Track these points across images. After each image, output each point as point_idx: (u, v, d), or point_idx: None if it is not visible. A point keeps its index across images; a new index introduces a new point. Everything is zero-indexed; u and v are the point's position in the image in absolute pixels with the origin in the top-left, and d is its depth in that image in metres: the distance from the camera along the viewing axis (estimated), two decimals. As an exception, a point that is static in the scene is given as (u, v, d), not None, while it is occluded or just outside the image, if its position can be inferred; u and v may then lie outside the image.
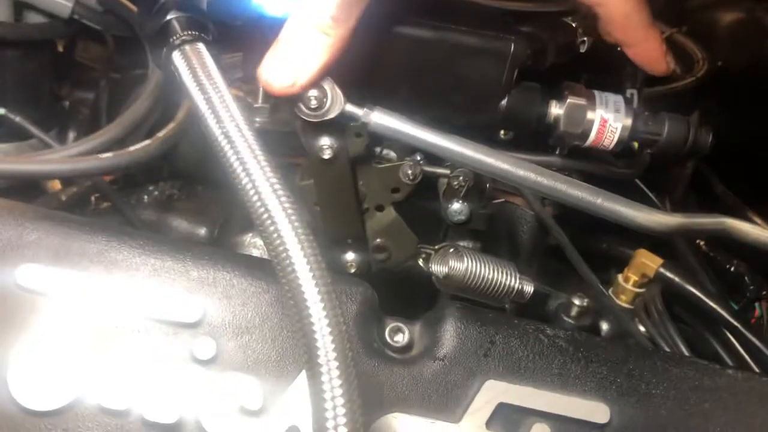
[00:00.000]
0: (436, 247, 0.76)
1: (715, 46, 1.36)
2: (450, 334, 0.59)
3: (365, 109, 0.62)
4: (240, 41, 0.79)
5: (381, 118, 0.63)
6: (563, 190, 0.64)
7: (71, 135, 1.06)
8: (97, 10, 0.87)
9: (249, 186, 0.50)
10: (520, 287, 0.75)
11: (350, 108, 0.62)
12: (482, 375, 0.57)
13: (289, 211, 0.49)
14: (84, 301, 0.55)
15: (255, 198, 0.49)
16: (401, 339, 0.60)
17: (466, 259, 0.73)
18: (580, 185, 0.65)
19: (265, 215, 0.49)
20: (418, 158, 0.74)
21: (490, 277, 0.74)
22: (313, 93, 0.60)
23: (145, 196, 0.90)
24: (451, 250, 0.75)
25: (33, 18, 0.87)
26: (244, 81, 0.95)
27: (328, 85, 0.61)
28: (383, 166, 0.71)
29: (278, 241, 0.48)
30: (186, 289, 0.57)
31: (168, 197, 0.91)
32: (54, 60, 0.98)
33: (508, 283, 0.74)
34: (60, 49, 1.05)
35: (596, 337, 0.62)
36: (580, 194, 0.64)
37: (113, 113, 1.03)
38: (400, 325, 0.60)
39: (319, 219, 0.71)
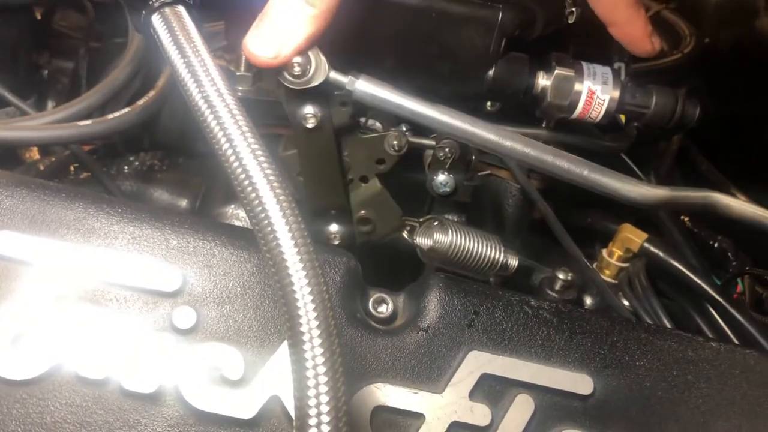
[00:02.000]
0: (421, 219, 0.75)
1: (702, 23, 1.35)
2: (434, 304, 0.58)
3: (350, 77, 0.61)
4: (223, 9, 0.78)
5: (366, 86, 0.61)
6: (549, 161, 0.63)
7: (50, 104, 1.04)
8: (75, -27, 0.85)
9: (230, 152, 0.49)
10: (504, 260, 0.75)
11: (335, 75, 0.61)
12: (466, 346, 0.57)
13: (272, 177, 0.48)
14: (61, 269, 0.54)
15: (236, 165, 0.48)
16: (385, 310, 0.59)
17: (450, 231, 0.72)
18: (567, 156, 0.64)
19: (247, 182, 0.48)
20: (404, 129, 0.73)
21: (475, 249, 0.73)
22: (296, 59, 0.59)
23: (126, 167, 0.88)
24: (436, 222, 0.74)
25: (9, -17, 0.85)
26: (226, 50, 0.94)
27: (312, 53, 0.59)
28: (368, 136, 0.70)
29: (260, 208, 0.47)
30: (165, 257, 0.56)
31: (149, 168, 0.89)
32: (32, 27, 0.95)
33: (492, 256, 0.74)
34: (38, 16, 1.03)
35: (581, 309, 0.61)
36: (567, 165, 0.63)
37: (93, 83, 1.00)
38: (384, 296, 0.59)
39: (303, 190, 0.70)
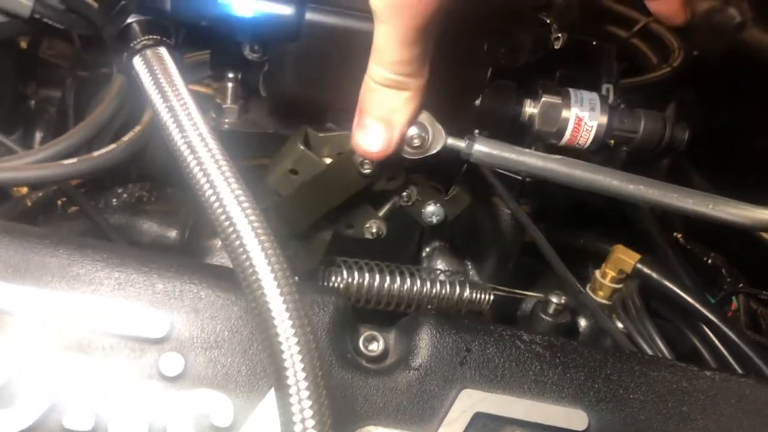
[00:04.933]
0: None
1: (691, 36, 1.35)
2: (425, 342, 0.57)
3: (467, 141, 0.60)
4: (207, 39, 0.77)
5: (483, 147, 0.60)
6: (674, 198, 0.60)
7: (38, 135, 1.03)
8: (59, 8, 0.84)
9: (213, 198, 0.48)
10: (473, 296, 0.73)
11: (452, 141, 0.60)
12: (458, 384, 0.56)
13: (255, 223, 0.47)
14: (46, 318, 0.53)
15: (219, 210, 0.48)
16: (376, 348, 0.58)
17: (355, 273, 0.70)
18: (690, 192, 0.61)
19: (230, 228, 0.47)
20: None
21: (388, 288, 0.71)
22: (413, 131, 0.58)
23: (114, 199, 0.87)
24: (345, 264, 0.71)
25: (-7, 17, 0.84)
26: (212, 79, 0.93)
27: (427, 121, 0.59)
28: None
29: (244, 256, 0.46)
30: (152, 303, 0.55)
31: (137, 200, 0.88)
32: (17, 59, 0.95)
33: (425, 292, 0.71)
34: (24, 46, 1.02)
35: (573, 341, 0.61)
36: (692, 201, 0.60)
37: (81, 112, 1.00)
38: (375, 333, 0.59)
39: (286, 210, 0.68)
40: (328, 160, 0.65)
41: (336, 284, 0.70)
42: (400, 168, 0.65)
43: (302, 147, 0.65)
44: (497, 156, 0.60)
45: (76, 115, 1.00)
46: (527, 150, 0.60)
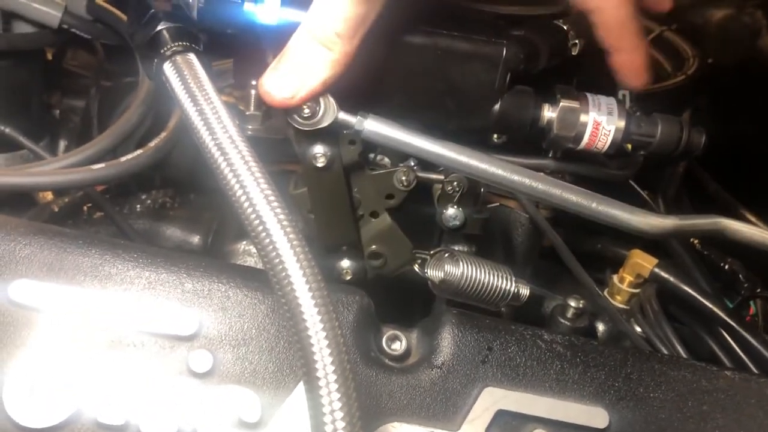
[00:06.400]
0: (432, 252, 0.76)
1: (705, 44, 1.36)
2: (447, 341, 0.59)
3: (358, 117, 0.62)
4: (231, 48, 0.79)
5: (374, 126, 0.62)
6: (557, 194, 0.64)
7: (62, 144, 1.05)
8: (86, 19, 0.86)
9: (243, 198, 0.50)
10: (516, 290, 0.75)
11: (343, 116, 0.62)
12: (480, 382, 0.57)
13: (284, 222, 0.49)
14: (79, 316, 0.55)
15: (249, 210, 0.49)
16: (399, 347, 0.59)
17: (461, 263, 0.73)
18: (575, 189, 0.65)
19: (260, 227, 0.48)
20: (412, 164, 0.73)
21: (486, 281, 0.73)
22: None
23: (138, 205, 0.89)
24: (447, 254, 0.74)
25: (21, 28, 0.86)
26: (235, 87, 0.95)
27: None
28: (377, 172, 0.71)
29: (274, 253, 0.47)
30: (181, 301, 0.56)
31: (161, 205, 0.90)
32: (43, 69, 0.97)
33: (504, 286, 0.74)
34: (49, 57, 1.05)
35: (593, 341, 0.62)
36: (575, 198, 0.64)
37: (105, 121, 1.02)
38: (397, 333, 0.60)
39: (314, 227, 0.71)
40: None
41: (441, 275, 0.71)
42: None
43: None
44: (387, 135, 0.61)
45: (99, 124, 1.02)
46: (419, 133, 0.62)
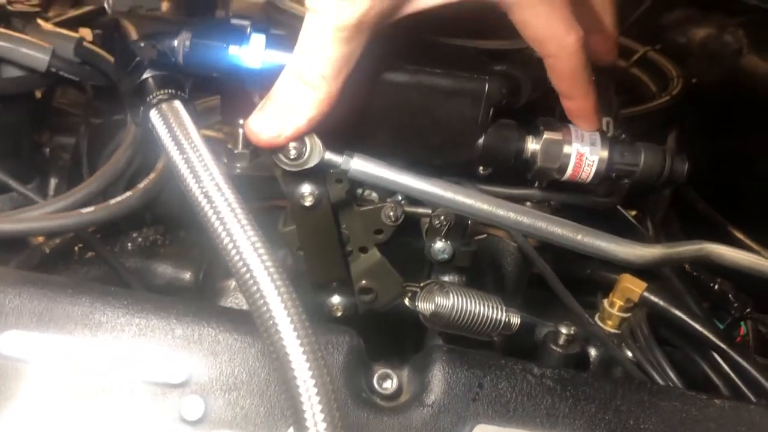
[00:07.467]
0: (422, 284, 0.76)
1: (689, 63, 1.38)
2: (438, 378, 0.59)
3: (345, 156, 0.63)
4: (218, 86, 0.80)
5: (360, 165, 0.63)
6: (543, 227, 0.65)
7: (53, 182, 1.06)
8: (74, 61, 0.87)
9: (230, 246, 0.50)
10: (507, 320, 0.76)
11: (329, 156, 0.63)
12: (472, 419, 0.58)
13: (272, 270, 0.49)
14: (70, 365, 0.55)
15: (237, 258, 0.50)
16: (390, 386, 0.60)
17: (452, 295, 0.73)
18: (560, 222, 0.66)
19: (248, 275, 0.49)
20: (400, 199, 0.74)
21: (477, 311, 0.74)
22: (292, 143, 0.61)
23: (129, 243, 0.90)
24: (437, 287, 0.75)
25: (10, 72, 0.87)
26: (223, 123, 0.96)
27: (307, 135, 0.61)
28: (365, 209, 0.72)
29: (261, 302, 0.48)
30: (172, 347, 0.57)
31: (152, 243, 0.91)
32: (32, 110, 0.98)
33: (494, 316, 0.75)
34: (38, 95, 1.06)
35: (583, 373, 0.62)
36: (560, 231, 0.65)
37: (95, 159, 1.03)
38: (388, 371, 0.60)
39: (303, 264, 0.72)
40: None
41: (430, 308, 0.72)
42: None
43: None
44: (373, 174, 0.62)
45: (89, 161, 1.03)
46: (404, 170, 0.63)
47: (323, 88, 0.58)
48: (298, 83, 0.58)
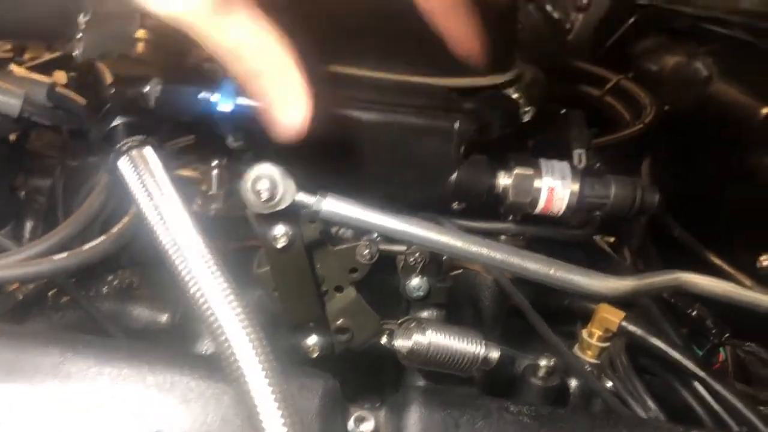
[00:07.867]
0: (399, 321, 0.76)
1: (661, 91, 1.40)
2: (414, 420, 0.58)
3: (317, 197, 0.63)
4: (192, 128, 0.80)
5: (332, 205, 0.63)
6: (516, 263, 0.65)
7: (28, 224, 1.05)
8: (46, 106, 0.87)
9: (198, 295, 0.50)
10: (486, 355, 0.75)
11: (301, 197, 0.63)
12: (449, 461, 0.57)
13: (241, 317, 0.49)
14: (39, 418, 0.54)
15: (206, 307, 0.50)
16: (366, 428, 0.59)
17: (428, 332, 0.73)
18: (533, 257, 0.66)
19: (219, 329, 0.49)
20: (375, 236, 0.74)
21: (455, 348, 0.74)
22: (264, 185, 0.60)
23: (104, 287, 0.89)
24: (414, 324, 0.75)
25: (-18, 118, 0.87)
26: (198, 162, 0.96)
27: (278, 176, 0.61)
28: (339, 248, 0.72)
29: (229, 351, 0.48)
30: (144, 396, 0.56)
31: (127, 286, 0.90)
32: (6, 155, 0.97)
33: (473, 351, 0.74)
34: (13, 138, 1.05)
35: (560, 409, 0.62)
36: (533, 266, 0.65)
37: (71, 201, 1.02)
38: (364, 414, 0.60)
39: (279, 305, 0.71)
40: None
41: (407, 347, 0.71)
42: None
43: None
44: (346, 215, 0.62)
45: (65, 203, 1.02)
46: (377, 209, 0.62)
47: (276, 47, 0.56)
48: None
